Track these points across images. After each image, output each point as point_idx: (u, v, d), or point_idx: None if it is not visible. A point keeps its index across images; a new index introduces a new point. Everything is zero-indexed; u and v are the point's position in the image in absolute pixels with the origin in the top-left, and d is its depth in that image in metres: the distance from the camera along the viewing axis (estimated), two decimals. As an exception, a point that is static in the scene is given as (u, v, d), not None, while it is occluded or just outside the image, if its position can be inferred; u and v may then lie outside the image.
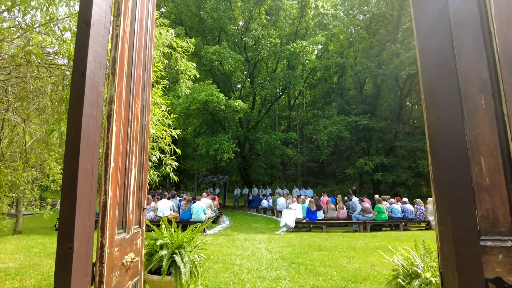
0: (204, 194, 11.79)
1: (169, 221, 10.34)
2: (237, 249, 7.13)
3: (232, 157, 14.87)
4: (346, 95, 27.87)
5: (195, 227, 3.52)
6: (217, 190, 21.13)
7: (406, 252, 2.65)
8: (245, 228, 11.01)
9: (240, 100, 14.79)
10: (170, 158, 4.02)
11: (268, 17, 19.49)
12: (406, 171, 21.57)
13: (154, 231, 3.43)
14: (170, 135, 3.82)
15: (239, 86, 23.88)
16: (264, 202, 16.37)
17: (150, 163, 3.78)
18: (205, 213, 10.11)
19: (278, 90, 21.64)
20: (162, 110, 3.69)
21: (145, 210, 2.14)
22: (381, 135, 23.38)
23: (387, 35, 22.41)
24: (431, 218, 10.79)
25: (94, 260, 1.45)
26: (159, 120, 3.65)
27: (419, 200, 11.32)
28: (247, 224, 12.24)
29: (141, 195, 2.11)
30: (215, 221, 12.35)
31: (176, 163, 4.06)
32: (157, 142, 3.70)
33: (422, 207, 10.95)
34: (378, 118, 23.23)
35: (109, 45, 1.65)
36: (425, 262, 2.40)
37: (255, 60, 19.32)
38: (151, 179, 3.79)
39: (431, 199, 11.58)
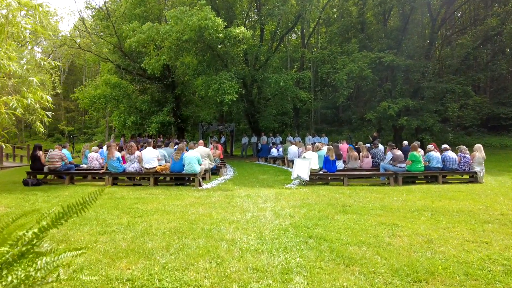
0: (201, 141, 9.93)
1: (158, 173, 8.69)
2: (234, 211, 5.36)
3: (234, 99, 12.60)
4: (368, 29, 24.27)
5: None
6: (223, 139, 19.46)
7: None
8: (250, 181, 9.30)
9: (242, 27, 12.01)
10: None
11: None
12: (432, 115, 19.02)
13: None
14: None
15: (245, 21, 20.55)
16: (274, 151, 14.73)
17: None
18: (200, 164, 8.33)
19: (290, 20, 18.36)
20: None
21: None
22: (408, 74, 20.39)
23: None
24: (478, 168, 8.73)
25: None
26: None
27: (464, 147, 9.13)
28: (253, 175, 10.55)
29: None
30: (216, 172, 10.73)
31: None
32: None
33: (468, 156, 8.84)
34: (404, 55, 20.03)
35: None
36: None
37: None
38: None
39: (479, 145, 9.36)
